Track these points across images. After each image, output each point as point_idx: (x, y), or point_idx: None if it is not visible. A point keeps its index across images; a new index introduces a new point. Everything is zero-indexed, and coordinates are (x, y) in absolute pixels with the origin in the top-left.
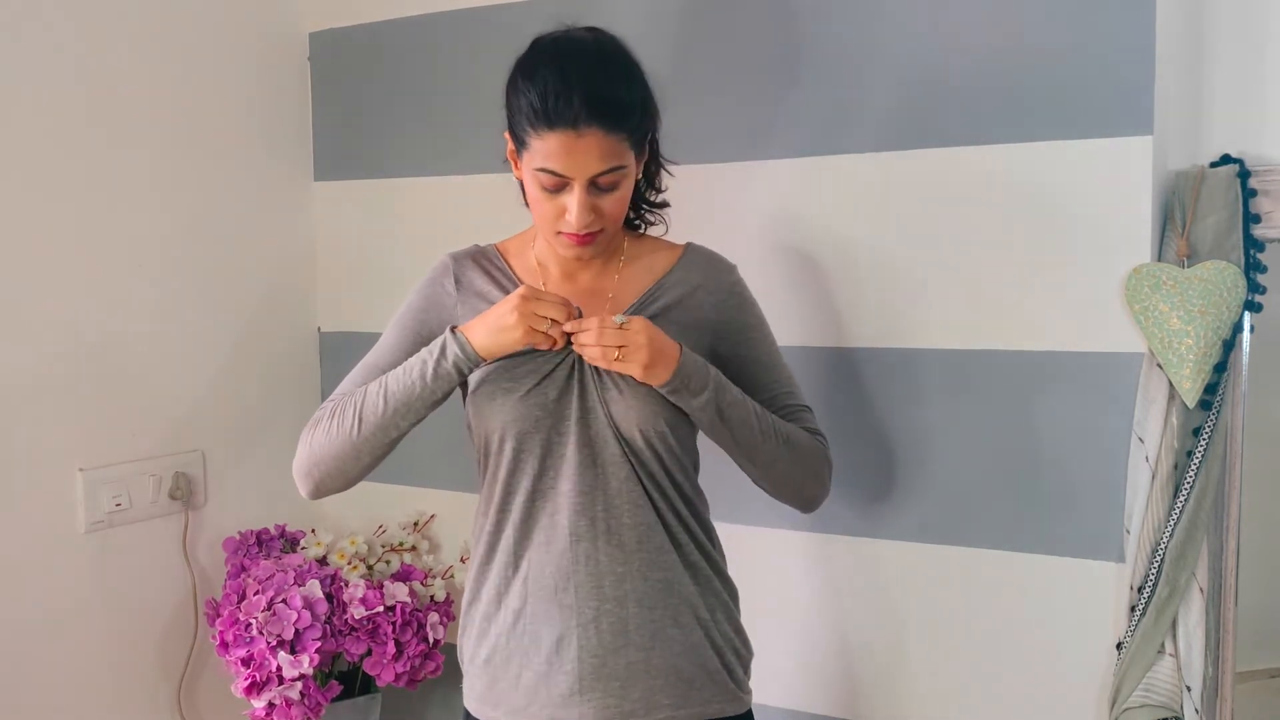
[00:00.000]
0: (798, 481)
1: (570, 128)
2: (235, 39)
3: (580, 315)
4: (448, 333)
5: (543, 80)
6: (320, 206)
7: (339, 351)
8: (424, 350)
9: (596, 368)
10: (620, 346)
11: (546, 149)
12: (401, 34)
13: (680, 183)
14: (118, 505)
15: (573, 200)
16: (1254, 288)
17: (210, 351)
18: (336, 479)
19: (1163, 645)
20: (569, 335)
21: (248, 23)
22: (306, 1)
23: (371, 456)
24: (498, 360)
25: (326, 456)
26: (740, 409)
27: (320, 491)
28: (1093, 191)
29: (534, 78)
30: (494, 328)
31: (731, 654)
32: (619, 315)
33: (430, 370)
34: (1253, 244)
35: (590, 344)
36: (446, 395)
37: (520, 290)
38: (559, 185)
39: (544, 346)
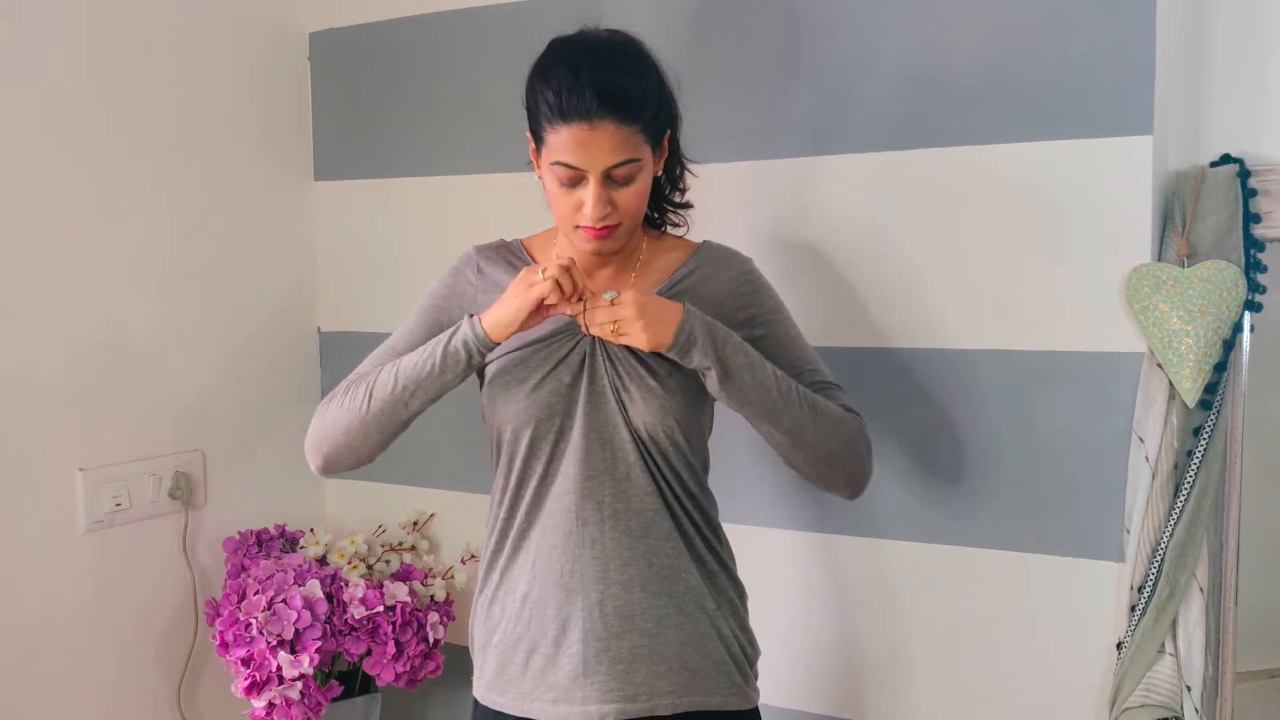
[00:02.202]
0: (831, 453)
1: (583, 120)
2: (235, 39)
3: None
4: (465, 320)
5: (557, 77)
6: (320, 206)
7: (339, 351)
8: (434, 339)
9: (609, 355)
10: (615, 321)
11: (561, 142)
12: (401, 34)
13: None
14: (118, 505)
15: (588, 193)
16: (1254, 287)
17: (210, 351)
18: (345, 455)
19: (1163, 645)
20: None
21: (248, 23)
22: (306, 1)
23: (380, 435)
24: (512, 351)
25: (336, 431)
26: (756, 372)
27: (329, 467)
28: (1093, 191)
29: (549, 75)
30: (503, 303)
31: (738, 649)
32: (609, 293)
33: (440, 350)
34: (1253, 244)
35: (591, 323)
36: (456, 378)
37: (522, 271)
38: (575, 179)
39: (558, 299)
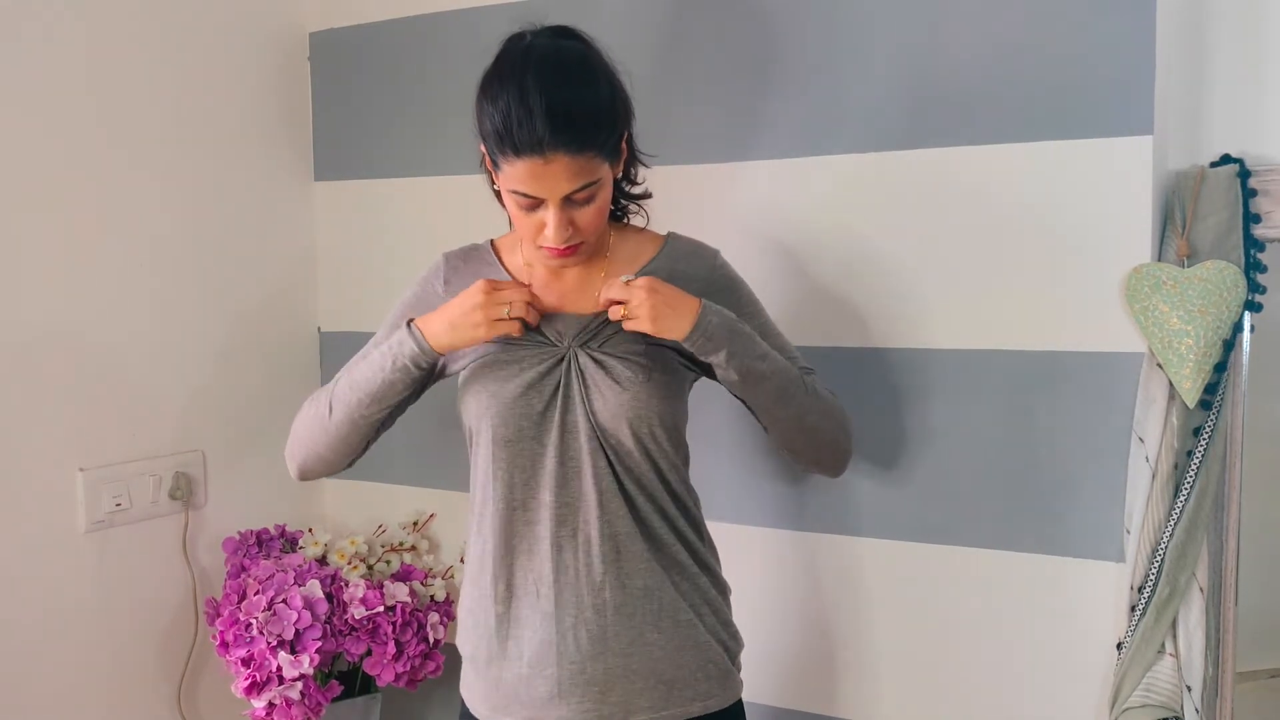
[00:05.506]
0: (830, 435)
1: (536, 154)
2: (235, 39)
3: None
4: (404, 326)
5: (505, 104)
6: (320, 206)
7: (339, 351)
8: (386, 342)
9: (583, 375)
10: (622, 303)
11: (516, 173)
12: (401, 34)
13: (670, 183)
14: (118, 505)
15: (549, 216)
16: (1254, 288)
17: (210, 351)
18: (318, 463)
19: (1163, 645)
20: (535, 322)
21: (248, 23)
22: (306, 1)
23: (346, 444)
24: (483, 356)
25: (305, 440)
26: (769, 360)
27: (305, 474)
28: (1093, 191)
29: (497, 100)
30: (456, 323)
31: (718, 647)
32: (626, 275)
33: (389, 363)
34: (1253, 244)
35: (605, 300)
36: (410, 387)
37: (480, 285)
38: (534, 205)
39: (514, 334)
